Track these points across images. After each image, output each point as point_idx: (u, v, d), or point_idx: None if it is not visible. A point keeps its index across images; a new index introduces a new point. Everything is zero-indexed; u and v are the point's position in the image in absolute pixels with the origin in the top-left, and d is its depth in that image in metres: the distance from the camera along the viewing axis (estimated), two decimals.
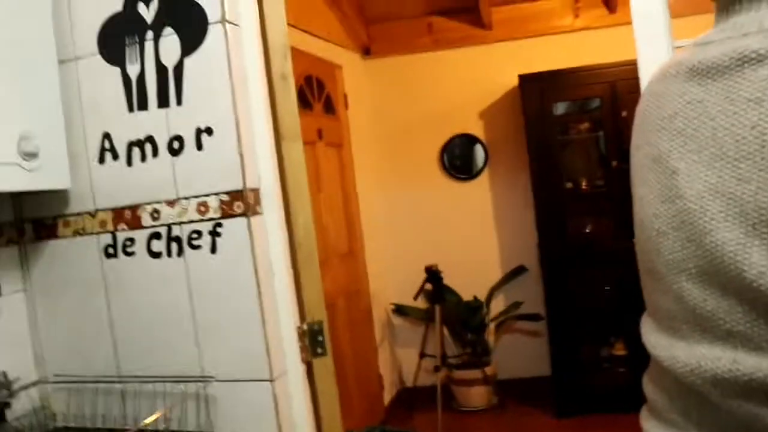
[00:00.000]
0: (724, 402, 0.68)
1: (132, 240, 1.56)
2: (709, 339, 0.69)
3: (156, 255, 1.54)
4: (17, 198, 1.67)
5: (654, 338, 0.79)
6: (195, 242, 1.49)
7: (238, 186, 1.45)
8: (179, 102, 1.50)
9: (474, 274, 4.59)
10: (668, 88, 0.76)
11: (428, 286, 4.27)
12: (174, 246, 1.52)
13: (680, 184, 0.71)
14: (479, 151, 4.70)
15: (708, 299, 0.69)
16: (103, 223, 1.59)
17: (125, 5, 1.53)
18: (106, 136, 1.57)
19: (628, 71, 3.86)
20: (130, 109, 1.54)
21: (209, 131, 1.47)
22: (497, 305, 4.61)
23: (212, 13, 1.46)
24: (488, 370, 4.35)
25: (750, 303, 0.65)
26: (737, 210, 0.65)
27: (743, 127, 0.65)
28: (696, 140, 0.70)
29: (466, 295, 4.56)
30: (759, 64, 0.65)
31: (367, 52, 4.72)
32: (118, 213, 1.57)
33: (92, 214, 1.60)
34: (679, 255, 0.72)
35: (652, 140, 0.77)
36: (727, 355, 0.67)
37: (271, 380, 1.45)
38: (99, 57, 1.57)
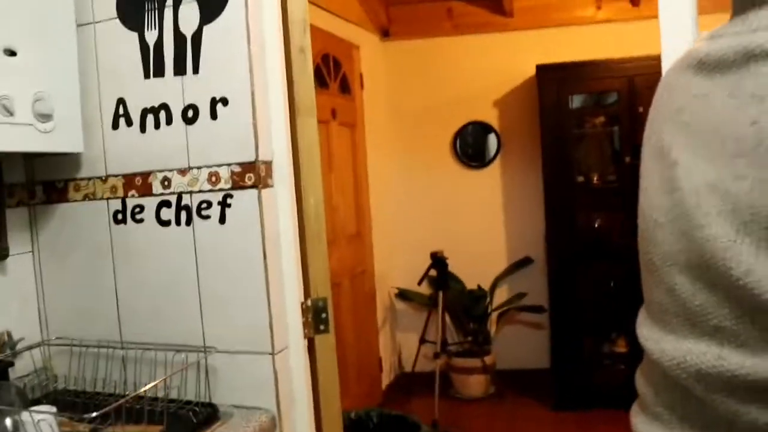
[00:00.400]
0: (708, 397, 0.68)
1: (141, 207, 1.56)
2: (697, 333, 0.69)
3: (165, 223, 1.54)
4: (29, 160, 1.67)
5: (646, 331, 0.79)
6: (204, 212, 1.49)
7: (251, 158, 1.44)
8: (196, 71, 1.49)
9: (479, 262, 4.59)
10: (678, 79, 0.76)
11: (433, 272, 4.27)
12: (183, 215, 1.51)
13: (679, 176, 0.71)
14: (492, 140, 4.68)
15: (698, 293, 0.69)
16: (113, 189, 1.58)
17: None
18: (121, 101, 1.56)
19: (647, 66, 3.84)
20: (147, 75, 1.54)
21: (224, 101, 1.46)
22: (501, 295, 4.61)
23: None
24: (488, 359, 4.36)
25: (737, 300, 0.65)
26: (731, 207, 0.65)
27: (743, 124, 0.65)
28: (699, 134, 0.70)
29: (470, 284, 4.56)
30: (764, 60, 0.64)
31: (385, 33, 4.69)
32: (128, 179, 1.57)
33: (103, 179, 1.59)
34: (673, 248, 0.72)
35: (658, 131, 0.77)
36: (712, 351, 0.67)
37: (272, 354, 1.45)
38: (117, 22, 1.56)
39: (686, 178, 0.70)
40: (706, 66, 0.71)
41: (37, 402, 1.48)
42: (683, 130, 0.72)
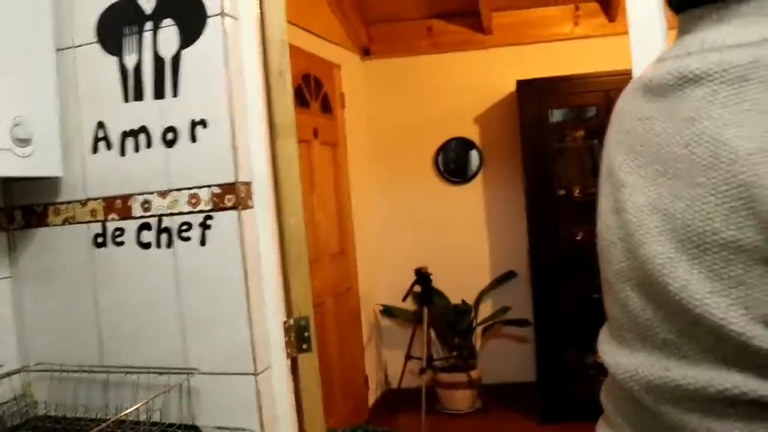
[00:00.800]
0: (656, 408, 0.71)
1: (122, 230, 1.56)
2: (648, 347, 0.72)
3: (145, 246, 1.54)
4: (8, 184, 1.66)
5: (605, 346, 0.83)
6: (185, 234, 1.49)
7: (231, 179, 1.45)
8: (175, 93, 1.50)
9: (463, 277, 4.60)
10: (628, 103, 0.79)
11: (417, 288, 4.28)
12: (164, 237, 1.52)
13: (625, 197, 0.74)
14: (474, 156, 4.71)
15: (647, 308, 0.72)
16: (93, 212, 1.58)
17: None
18: (101, 125, 1.57)
19: (625, 80, 3.84)
20: (126, 99, 1.54)
21: (204, 124, 1.47)
22: (485, 309, 4.62)
23: (212, 6, 1.46)
24: (473, 374, 4.36)
25: (676, 314, 0.68)
26: (670, 226, 0.68)
27: (678, 146, 0.68)
28: (644, 156, 0.73)
29: (455, 299, 4.57)
30: (695, 84, 0.67)
31: (366, 52, 4.72)
32: (108, 202, 1.57)
33: (83, 203, 1.59)
34: (624, 265, 0.75)
35: (610, 153, 0.81)
36: (660, 363, 0.70)
37: (255, 374, 1.45)
38: (97, 46, 1.57)
39: (631, 199, 0.73)
40: (650, 90, 0.74)
41: (17, 429, 1.47)
42: (630, 151, 0.75)
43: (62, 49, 1.58)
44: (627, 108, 0.79)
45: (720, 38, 0.68)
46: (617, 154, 0.78)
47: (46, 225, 1.63)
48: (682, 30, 0.75)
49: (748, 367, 0.63)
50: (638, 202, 0.72)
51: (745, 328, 0.62)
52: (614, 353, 0.78)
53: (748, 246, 0.62)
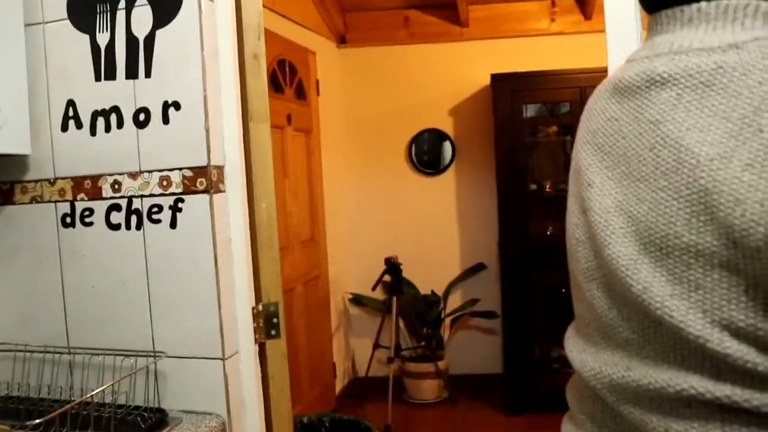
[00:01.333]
0: (618, 406, 0.72)
1: (91, 210, 1.54)
2: (612, 346, 0.74)
3: (114, 227, 1.52)
4: None
5: (571, 343, 0.84)
6: (155, 216, 1.48)
7: (203, 162, 1.44)
8: (148, 74, 1.48)
9: (433, 268, 4.63)
10: (597, 103, 0.80)
11: (387, 277, 4.29)
12: (133, 219, 1.50)
13: (592, 196, 0.75)
14: (447, 147, 4.73)
15: (611, 308, 0.73)
16: (62, 192, 1.56)
17: None
18: (71, 103, 1.54)
19: (600, 78, 3.88)
20: (98, 78, 1.52)
21: (176, 105, 1.45)
22: (454, 301, 4.65)
23: None
24: (441, 364, 4.39)
25: (638, 314, 0.69)
26: (634, 228, 0.69)
27: (644, 148, 0.69)
28: (611, 157, 0.74)
29: (424, 289, 4.60)
30: (662, 87, 0.68)
31: (342, 40, 4.71)
32: (78, 182, 1.55)
33: (51, 182, 1.57)
34: (592, 264, 0.76)
35: (578, 153, 0.81)
36: (623, 362, 0.71)
37: (222, 359, 1.45)
38: (68, 23, 1.54)
39: (597, 199, 0.74)
40: (619, 91, 0.74)
41: None
42: (598, 152, 0.76)
43: (31, 25, 1.54)
44: (597, 108, 0.79)
45: (687, 42, 0.68)
46: (585, 153, 0.78)
47: (13, 203, 1.60)
48: (653, 31, 0.75)
49: (704, 369, 0.65)
50: (604, 202, 0.73)
51: (702, 331, 0.64)
52: (580, 351, 0.79)
53: (706, 250, 0.63)
